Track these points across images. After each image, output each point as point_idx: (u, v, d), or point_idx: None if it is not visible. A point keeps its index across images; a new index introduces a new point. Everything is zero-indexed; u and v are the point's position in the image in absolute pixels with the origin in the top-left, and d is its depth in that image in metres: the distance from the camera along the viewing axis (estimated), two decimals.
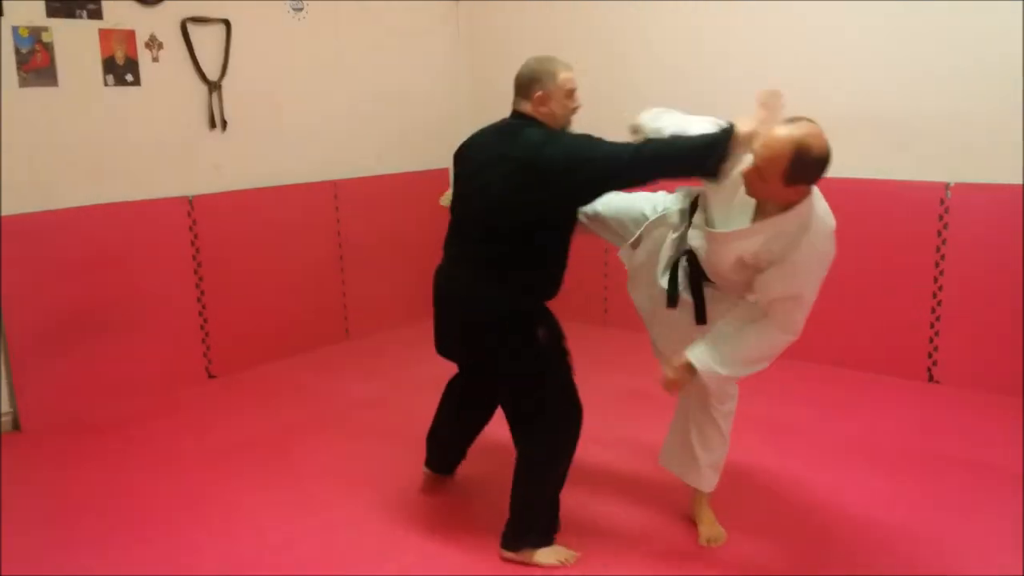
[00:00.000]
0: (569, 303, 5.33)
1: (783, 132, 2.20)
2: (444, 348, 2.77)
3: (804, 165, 2.22)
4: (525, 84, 2.59)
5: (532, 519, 2.65)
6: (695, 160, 2.29)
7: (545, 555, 2.63)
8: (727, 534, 2.75)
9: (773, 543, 2.71)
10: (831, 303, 4.31)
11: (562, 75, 2.59)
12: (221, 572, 2.63)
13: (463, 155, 2.74)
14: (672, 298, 2.58)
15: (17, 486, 3.25)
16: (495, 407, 2.95)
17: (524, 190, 2.45)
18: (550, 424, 2.62)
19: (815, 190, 2.36)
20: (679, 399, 2.79)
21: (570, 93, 2.62)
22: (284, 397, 4.14)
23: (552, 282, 2.67)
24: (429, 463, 3.13)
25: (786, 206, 2.30)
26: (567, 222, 2.63)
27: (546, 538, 2.66)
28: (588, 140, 2.47)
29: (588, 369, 4.38)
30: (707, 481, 2.77)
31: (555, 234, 2.60)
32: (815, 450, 3.38)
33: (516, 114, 2.63)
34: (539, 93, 2.57)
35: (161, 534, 2.87)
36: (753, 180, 2.26)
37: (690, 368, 2.45)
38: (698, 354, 2.45)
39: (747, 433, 3.55)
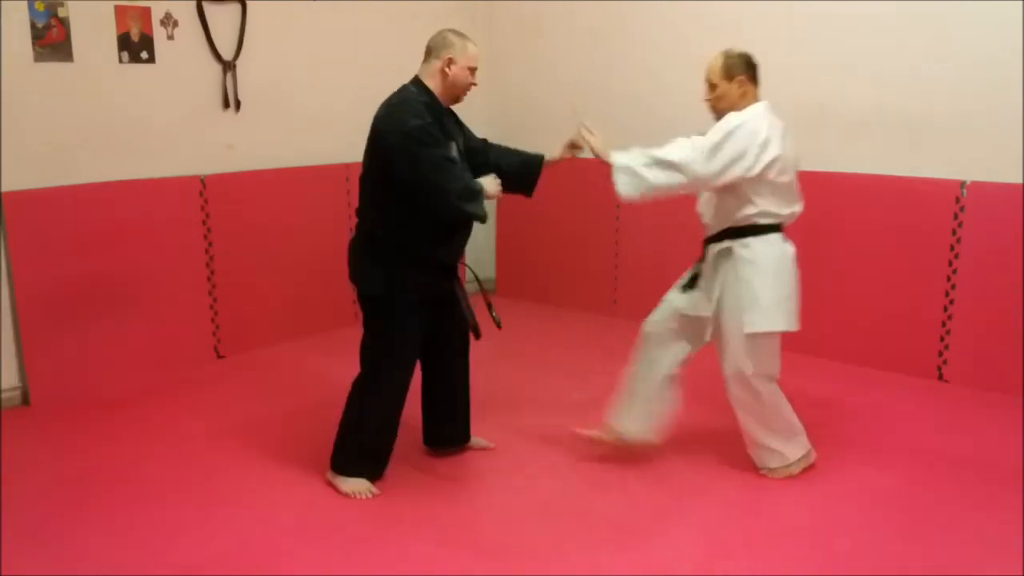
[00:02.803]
0: (578, 293, 5.37)
1: (712, 54, 2.98)
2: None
3: (731, 60, 2.93)
4: (436, 47, 2.82)
5: (339, 442, 2.98)
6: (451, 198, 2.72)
7: (346, 484, 2.94)
8: (728, 534, 2.74)
9: (776, 540, 2.71)
10: (843, 299, 4.31)
11: (472, 49, 2.84)
12: (230, 551, 2.64)
13: None
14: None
15: (25, 460, 3.27)
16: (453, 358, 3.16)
17: (367, 151, 2.82)
18: (369, 359, 2.94)
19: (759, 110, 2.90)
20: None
21: (472, 70, 2.84)
22: (292, 379, 4.14)
23: (405, 231, 2.81)
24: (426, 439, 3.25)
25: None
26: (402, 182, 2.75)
27: (351, 468, 2.95)
28: (427, 135, 2.68)
29: (596, 359, 4.40)
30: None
31: (394, 187, 2.76)
32: (822, 446, 3.36)
33: (414, 79, 2.86)
34: (448, 56, 2.78)
35: (169, 511, 2.88)
36: (712, 100, 2.99)
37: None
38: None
39: None
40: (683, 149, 2.84)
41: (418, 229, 2.81)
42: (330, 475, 3.01)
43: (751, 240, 2.90)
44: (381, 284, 2.87)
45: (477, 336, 3.02)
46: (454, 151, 2.80)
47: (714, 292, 2.96)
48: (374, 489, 2.95)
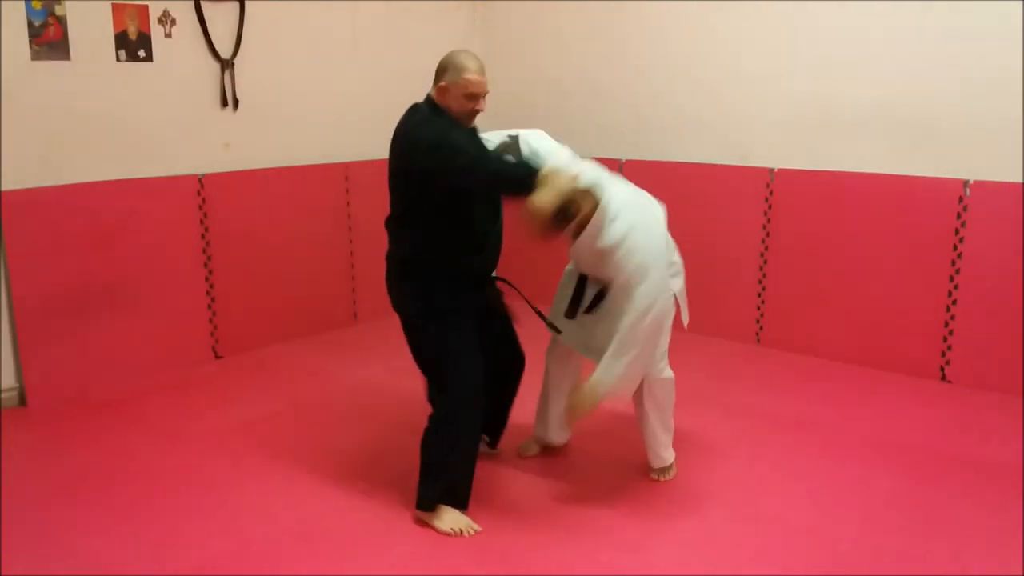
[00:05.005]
0: None
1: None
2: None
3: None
4: (438, 70, 2.74)
5: (425, 476, 2.78)
6: (517, 186, 2.62)
7: (442, 520, 2.74)
8: (731, 531, 2.72)
9: (778, 538, 2.69)
10: (845, 299, 4.30)
11: (466, 75, 2.68)
12: (229, 551, 2.62)
13: None
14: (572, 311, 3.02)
15: (23, 461, 3.25)
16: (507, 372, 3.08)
17: (396, 159, 2.76)
18: (434, 375, 2.81)
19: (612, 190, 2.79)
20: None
21: (471, 95, 2.70)
22: (290, 379, 4.12)
23: (439, 246, 2.76)
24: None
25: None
26: (435, 196, 2.71)
27: (443, 501, 2.76)
28: (448, 138, 2.63)
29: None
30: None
31: (426, 203, 2.72)
32: (825, 447, 3.35)
33: (427, 97, 2.78)
34: (442, 83, 2.71)
35: (167, 513, 2.86)
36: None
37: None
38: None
39: (757, 428, 3.53)
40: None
41: (451, 243, 2.75)
42: (421, 515, 2.79)
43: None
44: (421, 298, 2.79)
45: (555, 331, 3.06)
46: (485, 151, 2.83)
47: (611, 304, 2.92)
48: (475, 525, 2.75)
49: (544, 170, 2.59)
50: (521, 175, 2.64)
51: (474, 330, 2.82)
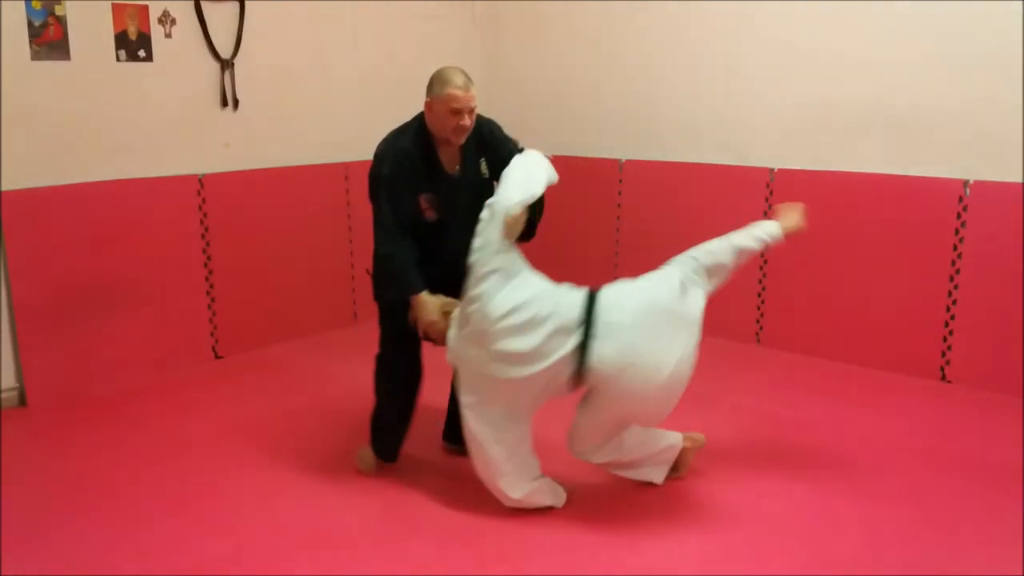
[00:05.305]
0: None
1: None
2: None
3: None
4: (427, 88, 2.82)
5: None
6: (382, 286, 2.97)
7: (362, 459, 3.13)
8: (731, 529, 2.72)
9: (778, 538, 2.69)
10: (845, 299, 4.29)
11: (449, 90, 2.73)
12: (228, 552, 2.62)
13: None
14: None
15: (22, 461, 3.24)
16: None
17: None
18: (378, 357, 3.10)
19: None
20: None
21: (454, 110, 2.74)
22: (290, 379, 4.12)
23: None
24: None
25: None
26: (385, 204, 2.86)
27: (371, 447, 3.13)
28: (386, 187, 2.82)
29: None
30: None
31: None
32: (825, 447, 3.35)
33: (420, 113, 2.89)
34: (428, 99, 2.78)
35: (167, 513, 2.86)
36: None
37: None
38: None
39: (757, 428, 3.53)
40: None
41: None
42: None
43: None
44: (376, 289, 3.02)
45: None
46: (426, 204, 2.88)
47: None
48: (373, 468, 3.11)
49: (422, 298, 2.79)
50: (395, 281, 2.84)
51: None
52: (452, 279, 2.81)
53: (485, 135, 2.97)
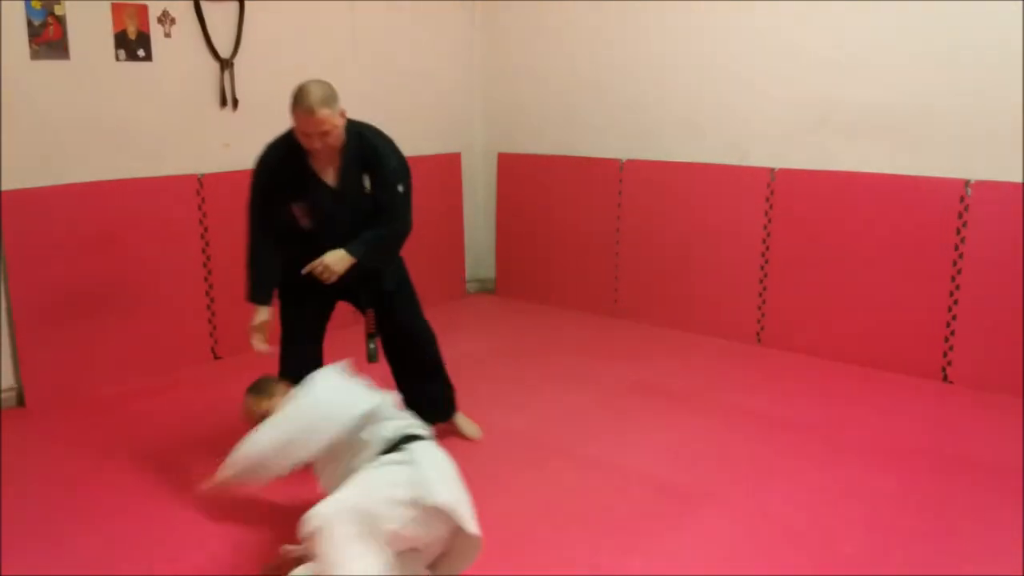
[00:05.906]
0: (578, 293, 5.34)
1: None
2: None
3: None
4: None
5: None
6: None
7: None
8: (734, 530, 2.71)
9: (779, 539, 2.68)
10: (846, 299, 4.29)
11: (296, 111, 2.79)
12: (228, 552, 2.62)
13: None
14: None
15: (22, 462, 3.24)
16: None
17: None
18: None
19: None
20: None
21: (301, 133, 2.81)
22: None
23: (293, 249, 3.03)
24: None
25: None
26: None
27: None
28: (255, 190, 3.03)
29: (596, 360, 4.38)
30: None
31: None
32: (826, 447, 3.34)
33: None
34: (294, 113, 2.81)
35: (167, 513, 2.85)
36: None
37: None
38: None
39: (757, 428, 3.52)
40: None
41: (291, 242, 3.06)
42: None
43: None
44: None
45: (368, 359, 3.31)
46: (300, 212, 2.97)
47: None
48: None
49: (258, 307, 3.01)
50: (248, 280, 3.05)
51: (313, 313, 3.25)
52: (324, 286, 2.94)
53: (367, 151, 2.94)
